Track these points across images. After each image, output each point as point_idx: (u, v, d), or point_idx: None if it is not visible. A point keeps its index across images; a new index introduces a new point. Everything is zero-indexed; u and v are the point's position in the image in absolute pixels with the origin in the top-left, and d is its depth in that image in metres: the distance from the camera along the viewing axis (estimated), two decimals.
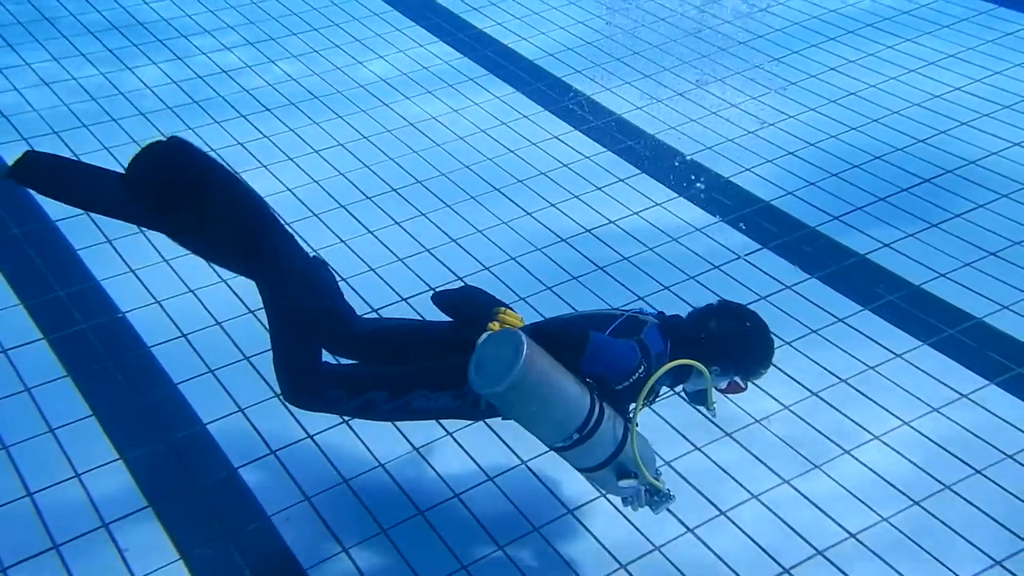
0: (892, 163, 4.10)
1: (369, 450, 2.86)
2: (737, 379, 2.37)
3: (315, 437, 2.91)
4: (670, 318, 2.37)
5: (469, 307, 2.26)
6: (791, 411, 2.98)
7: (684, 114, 4.47)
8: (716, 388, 2.35)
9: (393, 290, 3.45)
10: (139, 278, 3.49)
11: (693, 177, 4.05)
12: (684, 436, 2.89)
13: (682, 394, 2.53)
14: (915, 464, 2.80)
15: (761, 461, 2.82)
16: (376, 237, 3.73)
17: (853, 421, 2.94)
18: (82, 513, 2.68)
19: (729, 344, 2.31)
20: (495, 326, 2.19)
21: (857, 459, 2.82)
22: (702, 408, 2.38)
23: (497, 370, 2.04)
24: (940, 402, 3.00)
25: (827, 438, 2.89)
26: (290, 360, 2.38)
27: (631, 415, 2.20)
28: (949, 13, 5.20)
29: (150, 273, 3.51)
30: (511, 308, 2.25)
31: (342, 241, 3.70)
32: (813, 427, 2.93)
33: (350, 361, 2.45)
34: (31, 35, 5.04)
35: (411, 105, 4.57)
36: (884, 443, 2.87)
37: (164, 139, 2.32)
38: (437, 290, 2.33)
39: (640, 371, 2.16)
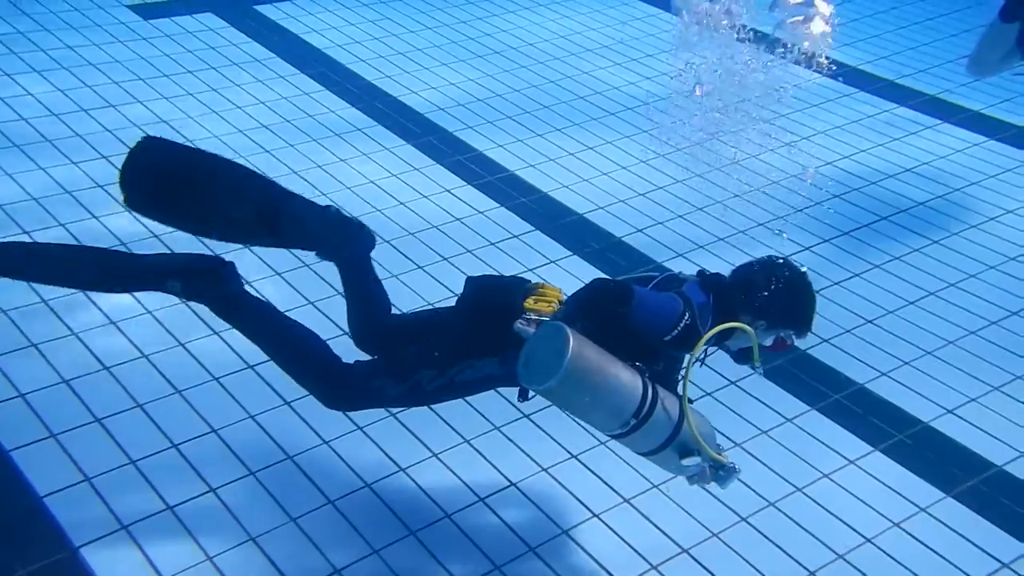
0: (773, 229, 4.22)
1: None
2: (783, 336, 2.35)
3: (175, 510, 2.62)
4: (711, 276, 2.36)
5: (501, 290, 2.29)
6: None
7: (576, 173, 4.48)
8: (762, 346, 2.30)
9: None
10: None
11: (586, 236, 4.03)
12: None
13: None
14: (809, 532, 2.79)
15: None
16: (254, 288, 3.48)
17: (747, 486, 2.91)
18: None
19: (774, 298, 2.29)
20: (531, 302, 2.21)
21: (753, 526, 2.79)
22: (747, 366, 2.34)
23: (546, 366, 2.01)
24: (829, 468, 3.02)
25: (722, 503, 2.84)
26: (314, 366, 2.33)
27: (682, 379, 2.17)
28: (817, 94, 5.50)
29: None
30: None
31: None
32: (710, 493, 2.87)
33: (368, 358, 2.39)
34: None
35: (294, 153, 4.38)
36: (778, 509, 2.85)
37: (138, 144, 2.27)
38: (470, 277, 2.39)
39: (685, 318, 2.14)
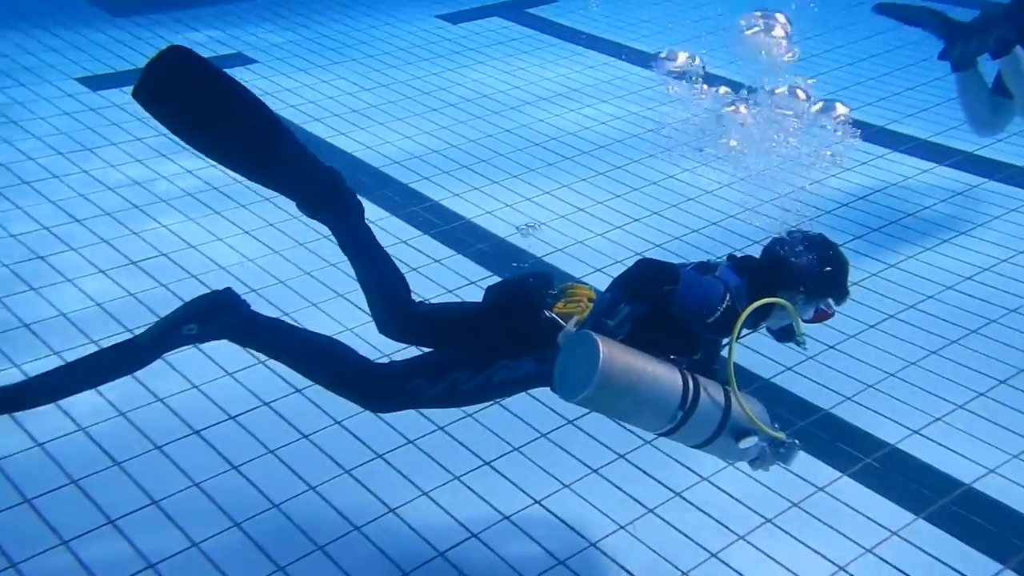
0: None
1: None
2: (823, 306, 2.35)
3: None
4: (741, 258, 2.36)
5: (522, 294, 2.26)
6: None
7: (533, 217, 4.48)
8: (803, 319, 2.30)
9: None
10: None
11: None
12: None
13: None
14: (781, 565, 2.73)
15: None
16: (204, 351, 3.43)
17: (715, 520, 2.85)
18: None
19: (808, 269, 2.30)
20: (560, 306, 2.21)
21: (724, 564, 2.72)
22: (791, 344, 2.34)
23: (579, 376, 1.97)
24: (798, 497, 2.97)
25: (689, 539, 2.78)
26: (348, 373, 2.33)
27: (728, 356, 2.14)
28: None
29: None
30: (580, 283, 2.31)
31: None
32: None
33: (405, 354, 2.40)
34: None
35: (245, 213, 4.36)
36: (748, 543, 2.79)
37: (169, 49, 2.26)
38: (489, 287, 2.36)
39: (727, 300, 2.15)
